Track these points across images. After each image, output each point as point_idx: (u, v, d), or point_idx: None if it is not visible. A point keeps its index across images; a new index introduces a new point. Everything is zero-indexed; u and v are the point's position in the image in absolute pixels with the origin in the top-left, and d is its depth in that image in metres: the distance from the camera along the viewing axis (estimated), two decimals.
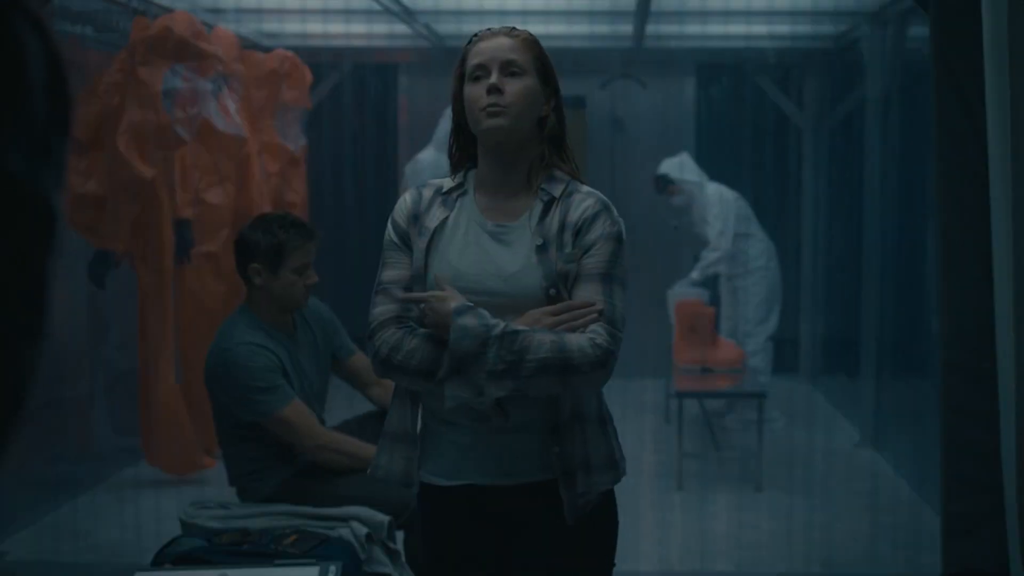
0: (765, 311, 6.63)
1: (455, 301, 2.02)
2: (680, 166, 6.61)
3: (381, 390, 3.58)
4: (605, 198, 2.14)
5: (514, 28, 2.18)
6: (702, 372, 5.95)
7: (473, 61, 2.12)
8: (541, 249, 2.08)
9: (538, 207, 2.11)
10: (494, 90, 2.08)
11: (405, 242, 2.16)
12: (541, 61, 2.15)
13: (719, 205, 6.49)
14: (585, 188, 2.15)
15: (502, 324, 2.00)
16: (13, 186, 0.66)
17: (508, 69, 2.10)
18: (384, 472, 2.18)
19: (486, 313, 2.02)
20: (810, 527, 4.81)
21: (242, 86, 5.70)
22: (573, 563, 2.16)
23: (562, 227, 2.09)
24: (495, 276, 2.08)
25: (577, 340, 2.01)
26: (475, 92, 2.10)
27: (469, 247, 2.11)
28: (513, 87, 2.09)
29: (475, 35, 2.18)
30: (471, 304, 2.02)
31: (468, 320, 2.00)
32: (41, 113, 0.68)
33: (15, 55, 0.67)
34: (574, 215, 2.09)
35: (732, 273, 6.66)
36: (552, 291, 2.06)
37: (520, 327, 2.01)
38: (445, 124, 6.38)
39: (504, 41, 2.13)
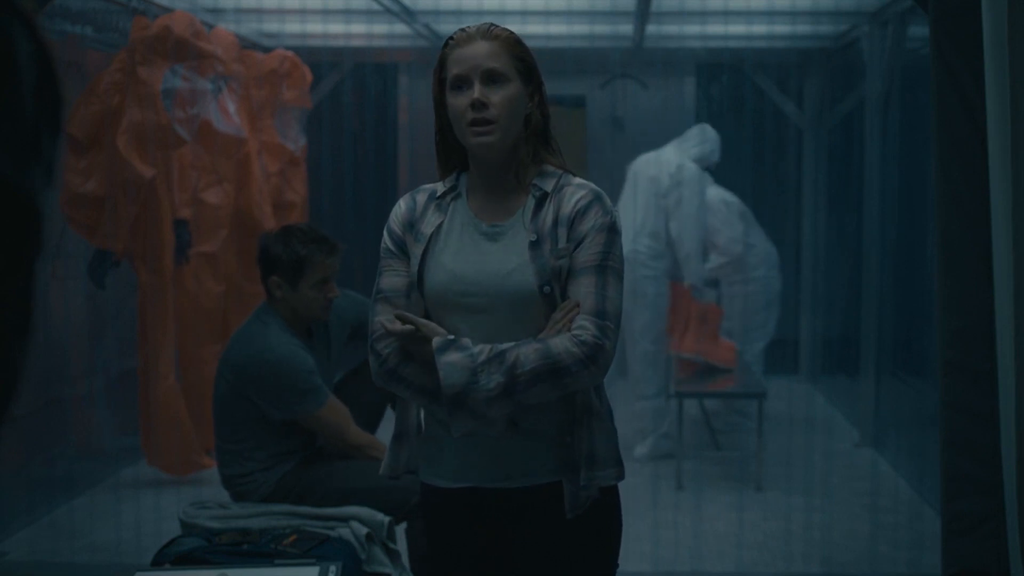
0: (764, 319, 6.65)
1: (436, 337, 2.02)
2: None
3: None
4: (597, 188, 2.11)
5: (492, 26, 2.12)
6: (699, 361, 6.03)
7: (453, 71, 2.08)
8: (535, 245, 2.06)
9: (531, 204, 2.10)
10: (479, 105, 2.04)
11: (402, 249, 2.15)
12: (522, 60, 2.11)
13: (724, 211, 6.37)
14: (577, 180, 2.13)
15: (486, 349, 1.99)
16: None
17: (490, 78, 2.06)
18: (390, 469, 2.20)
19: (468, 342, 2.01)
20: (810, 527, 4.81)
21: (241, 86, 5.70)
22: (576, 564, 2.14)
23: (556, 222, 2.07)
24: (491, 276, 2.06)
25: (562, 342, 1.99)
26: (459, 104, 2.07)
27: (464, 249, 2.10)
28: (497, 97, 2.05)
29: (451, 38, 2.12)
30: (450, 337, 2.02)
31: (451, 356, 1.99)
32: (30, 112, 0.69)
33: (3, 55, 0.67)
34: (567, 207, 2.07)
35: (732, 280, 6.66)
36: (546, 288, 2.04)
37: (504, 346, 2.00)
38: (697, 132, 6.07)
39: (482, 47, 2.08)
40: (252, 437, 3.42)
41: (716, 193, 6.39)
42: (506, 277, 2.05)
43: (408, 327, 2.05)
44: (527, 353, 1.98)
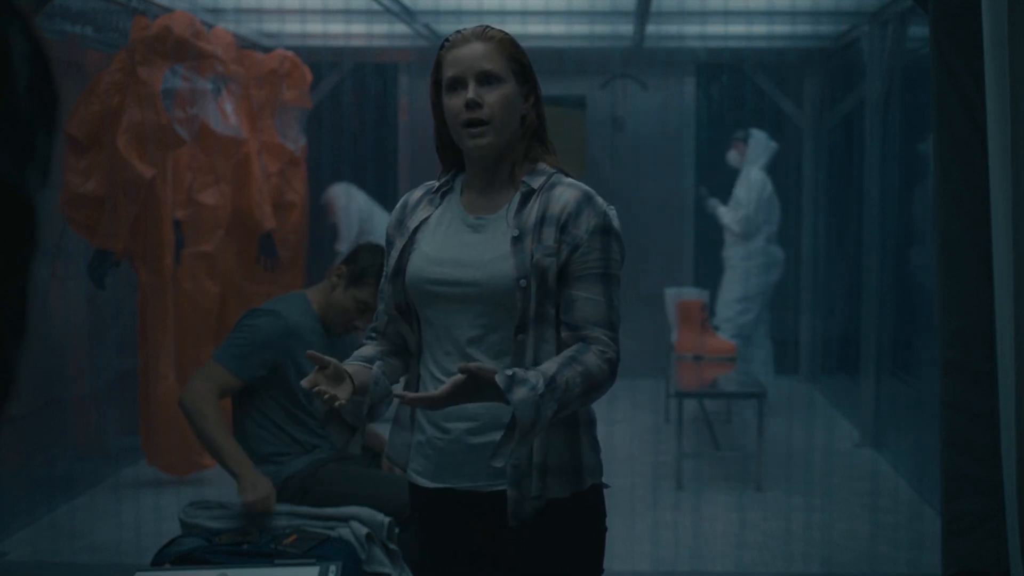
0: (739, 310, 6.75)
1: (497, 375, 1.92)
2: (761, 143, 6.83)
3: None
4: (588, 189, 2.11)
5: (487, 28, 2.13)
6: (695, 359, 6.17)
7: (448, 72, 2.09)
8: (516, 240, 2.05)
9: (516, 199, 2.10)
10: (473, 105, 2.05)
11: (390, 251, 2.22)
12: (517, 61, 2.11)
13: (754, 190, 6.73)
14: (568, 180, 2.12)
15: (540, 378, 1.93)
16: None
17: (484, 78, 2.07)
18: (394, 455, 2.22)
19: (522, 373, 1.94)
20: (810, 527, 4.81)
21: (240, 86, 5.70)
22: (557, 567, 2.13)
23: (541, 219, 2.06)
24: (468, 266, 2.07)
25: (595, 362, 2.00)
26: (454, 105, 2.07)
27: (448, 239, 2.12)
28: (491, 97, 2.06)
29: (447, 39, 2.14)
30: (508, 372, 1.93)
31: (520, 392, 1.91)
32: (25, 112, 0.69)
33: None
34: (555, 207, 2.06)
35: (730, 263, 6.85)
36: (523, 282, 2.03)
37: (550, 370, 1.95)
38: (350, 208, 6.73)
39: (477, 48, 2.08)
40: (264, 418, 3.46)
41: (759, 176, 6.83)
42: (484, 267, 2.06)
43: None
44: (572, 377, 1.96)
